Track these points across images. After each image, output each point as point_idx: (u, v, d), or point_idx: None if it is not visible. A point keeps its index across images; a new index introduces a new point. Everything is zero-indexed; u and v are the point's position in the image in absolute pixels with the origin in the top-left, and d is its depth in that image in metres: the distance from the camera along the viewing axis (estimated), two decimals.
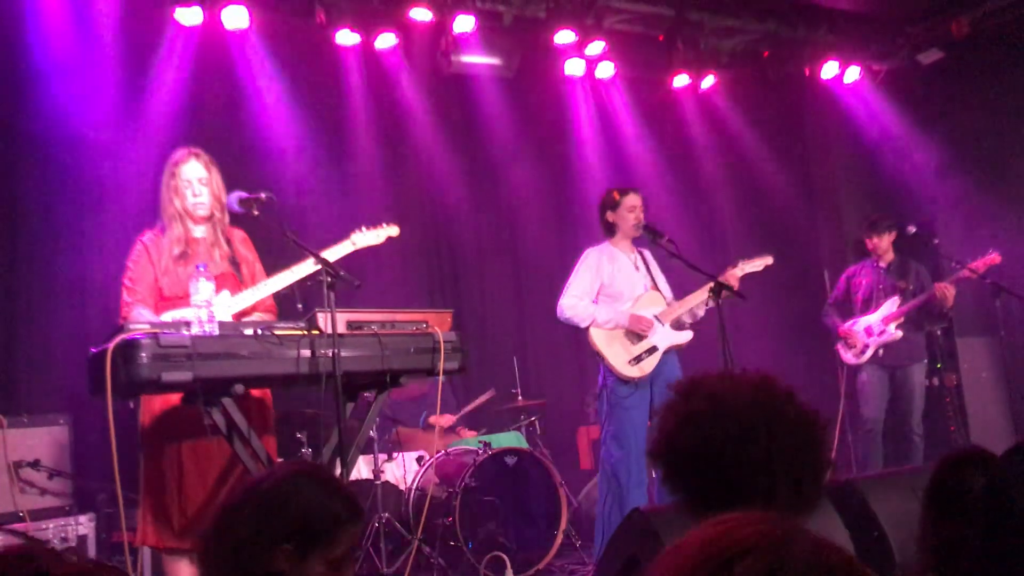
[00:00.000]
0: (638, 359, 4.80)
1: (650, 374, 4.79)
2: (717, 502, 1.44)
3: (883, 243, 6.10)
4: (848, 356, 6.09)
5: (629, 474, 4.69)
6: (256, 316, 3.63)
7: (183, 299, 3.46)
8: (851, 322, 6.09)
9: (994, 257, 5.74)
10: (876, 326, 5.96)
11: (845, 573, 0.84)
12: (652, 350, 4.82)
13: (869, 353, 5.98)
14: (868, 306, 6.08)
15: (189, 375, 2.95)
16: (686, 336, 4.93)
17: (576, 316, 4.89)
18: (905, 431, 6.01)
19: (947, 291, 5.70)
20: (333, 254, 3.64)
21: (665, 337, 4.87)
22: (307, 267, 3.53)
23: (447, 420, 6.10)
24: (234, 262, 3.71)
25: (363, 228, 3.87)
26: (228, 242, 3.74)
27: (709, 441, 1.48)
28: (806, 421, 1.51)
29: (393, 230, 3.96)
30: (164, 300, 3.56)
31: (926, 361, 6.24)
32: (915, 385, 6.01)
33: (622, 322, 4.84)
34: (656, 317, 4.87)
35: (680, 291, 5.05)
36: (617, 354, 4.81)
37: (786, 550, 0.86)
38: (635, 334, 4.84)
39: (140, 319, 3.35)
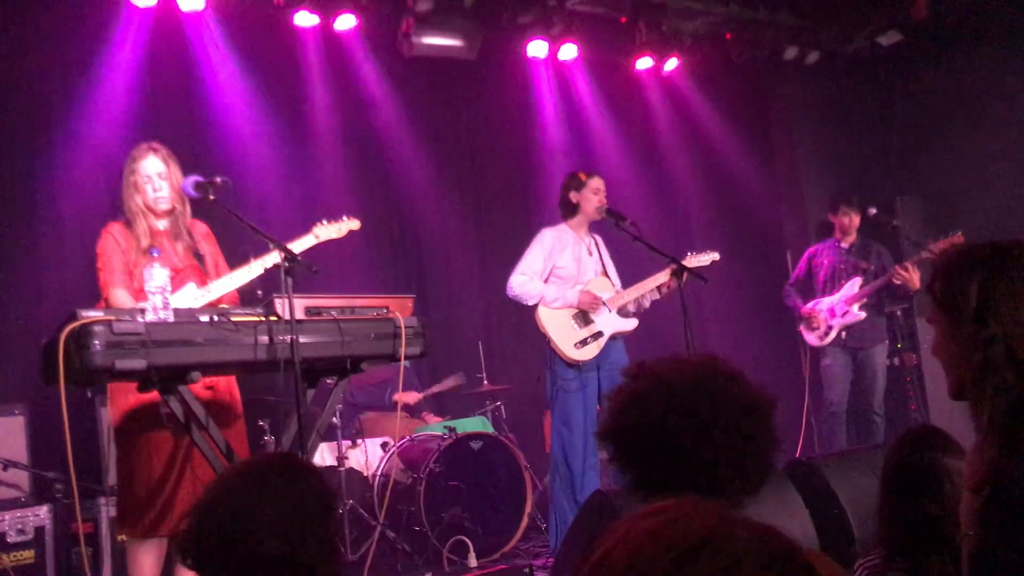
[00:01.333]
0: (583, 343, 4.81)
1: (596, 359, 4.81)
2: (660, 479, 1.47)
3: (855, 221, 6.09)
4: (811, 338, 6.09)
5: (579, 457, 4.73)
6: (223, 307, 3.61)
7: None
8: (813, 303, 6.11)
9: (957, 238, 5.75)
10: (839, 307, 5.98)
11: (789, 558, 0.83)
12: (597, 335, 4.84)
13: (833, 334, 5.98)
14: (830, 287, 6.09)
15: (143, 362, 2.90)
16: (631, 323, 4.95)
17: (525, 293, 4.90)
18: (866, 412, 6.06)
19: (910, 274, 5.70)
20: (296, 247, 3.65)
21: (611, 323, 4.89)
22: (273, 258, 3.54)
23: (412, 397, 6.08)
24: (197, 255, 3.75)
25: (324, 221, 3.92)
26: (190, 234, 3.78)
27: (650, 417, 1.50)
28: (750, 400, 1.53)
29: (354, 223, 4.02)
30: (134, 292, 3.57)
31: (888, 342, 6.29)
32: (877, 367, 6.05)
33: (571, 300, 4.86)
34: (604, 303, 4.89)
35: (638, 276, 5.06)
36: (564, 337, 4.83)
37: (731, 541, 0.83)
38: (582, 318, 4.86)
39: (122, 300, 3.43)
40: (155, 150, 3.70)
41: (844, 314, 5.95)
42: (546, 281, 4.95)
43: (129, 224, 3.68)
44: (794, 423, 6.30)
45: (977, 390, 1.66)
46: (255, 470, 1.81)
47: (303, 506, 1.73)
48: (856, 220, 6.10)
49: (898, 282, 5.72)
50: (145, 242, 3.62)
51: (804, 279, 6.26)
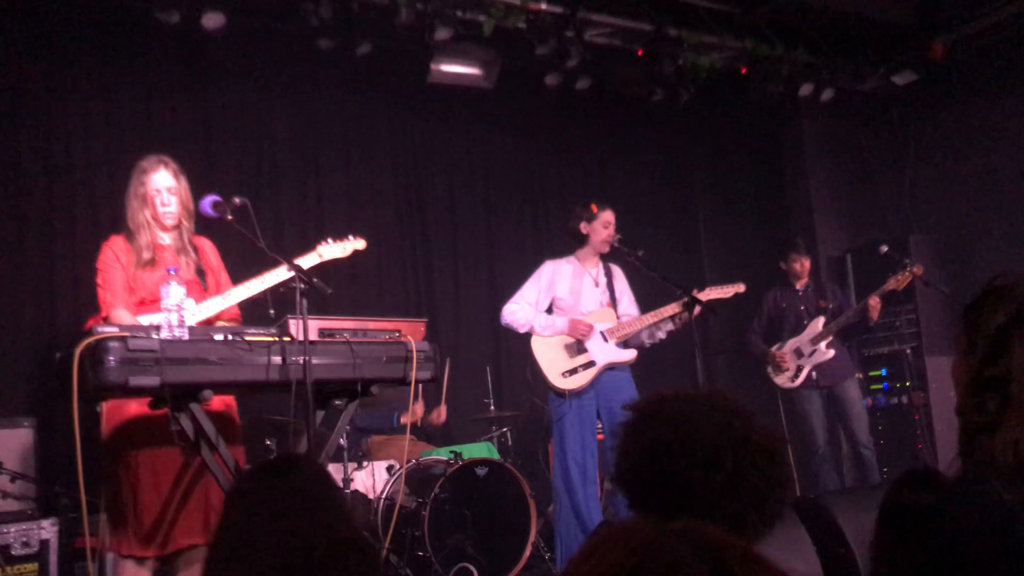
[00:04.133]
0: (572, 371, 4.82)
1: (590, 388, 4.82)
2: None
3: (806, 265, 6.15)
4: (781, 380, 6.06)
5: (579, 487, 4.72)
6: (221, 324, 3.62)
7: (149, 305, 3.50)
8: (778, 345, 6.10)
9: (917, 269, 5.79)
10: (805, 347, 5.98)
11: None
12: (589, 364, 4.85)
13: (804, 375, 5.96)
14: (794, 329, 6.08)
15: (157, 380, 2.92)
16: (627, 355, 4.96)
17: (515, 321, 4.99)
18: (855, 447, 6.03)
19: (874, 305, 5.72)
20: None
21: (605, 353, 4.90)
22: (277, 275, 3.57)
23: (418, 410, 6.04)
24: (200, 271, 3.73)
25: (330, 240, 3.90)
26: (195, 250, 3.76)
27: (675, 470, 1.47)
28: (768, 443, 1.52)
29: (359, 243, 4.00)
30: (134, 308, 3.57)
31: (859, 376, 6.26)
32: (853, 400, 6.01)
33: (561, 328, 4.90)
34: (602, 333, 4.90)
35: (652, 308, 5.07)
36: (551, 364, 4.87)
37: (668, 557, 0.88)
38: (576, 347, 4.88)
39: (123, 320, 3.40)
40: (165, 163, 3.68)
41: (812, 353, 5.95)
42: (549, 311, 4.99)
43: (131, 236, 3.65)
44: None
45: (965, 423, 1.64)
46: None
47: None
48: (807, 264, 6.17)
49: (872, 305, 5.72)
50: (147, 255, 3.60)
51: (767, 324, 6.25)
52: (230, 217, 3.50)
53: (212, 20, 5.49)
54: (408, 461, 5.40)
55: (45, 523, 4.54)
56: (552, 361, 4.87)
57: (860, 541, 3.32)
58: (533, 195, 7.72)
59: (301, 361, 3.17)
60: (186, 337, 3.06)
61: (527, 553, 5.15)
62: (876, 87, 7.44)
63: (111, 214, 5.42)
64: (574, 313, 4.97)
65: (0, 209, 5.52)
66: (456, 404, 6.57)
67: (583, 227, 5.06)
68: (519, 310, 4.98)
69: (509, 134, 7.53)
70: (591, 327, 4.89)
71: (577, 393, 4.85)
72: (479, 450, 5.77)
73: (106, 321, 3.48)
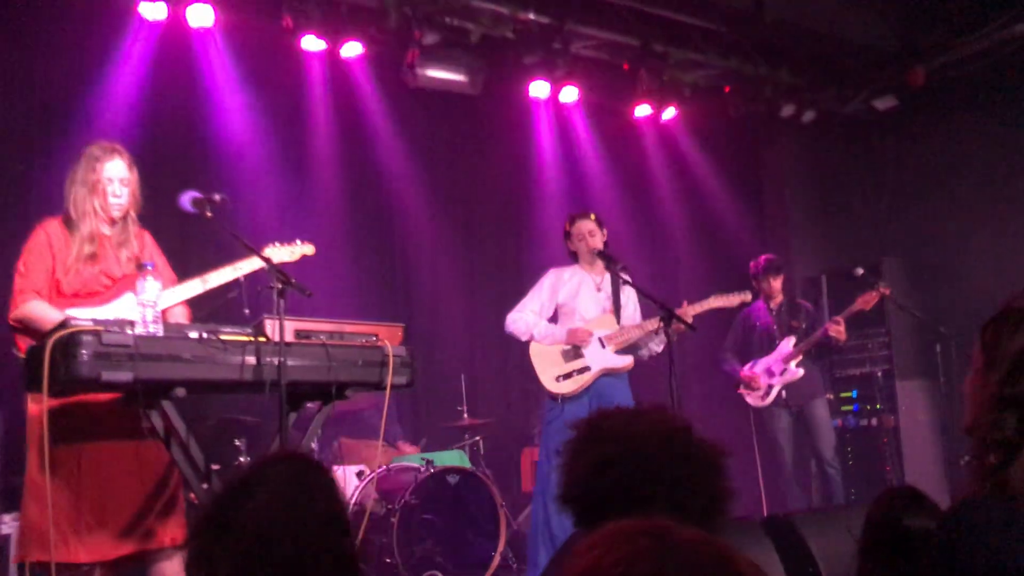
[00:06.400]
0: (567, 376, 4.83)
1: (586, 394, 4.82)
2: None
3: (779, 284, 6.20)
4: (752, 399, 6.09)
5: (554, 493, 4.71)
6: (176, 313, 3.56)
7: (83, 298, 3.39)
8: (750, 364, 6.14)
9: (884, 289, 5.87)
10: (776, 366, 6.02)
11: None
12: (584, 370, 4.85)
13: (774, 394, 6.01)
14: (765, 347, 6.12)
15: (130, 375, 2.87)
16: (623, 361, 4.92)
17: (516, 330, 4.98)
18: (820, 466, 6.08)
19: (841, 327, 5.80)
20: (245, 267, 3.57)
21: (600, 359, 4.88)
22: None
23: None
24: (140, 265, 3.51)
25: (276, 243, 3.82)
26: (135, 244, 3.61)
27: (622, 482, 1.52)
28: (705, 454, 1.57)
29: (308, 248, 3.92)
30: (61, 296, 3.41)
31: (829, 396, 6.32)
32: (820, 420, 6.05)
33: (559, 337, 4.90)
34: (601, 339, 4.89)
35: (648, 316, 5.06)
36: (547, 368, 4.86)
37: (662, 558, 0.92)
38: (573, 352, 4.88)
39: (34, 312, 3.27)
40: (120, 152, 3.53)
41: (782, 372, 5.99)
42: (554, 318, 4.98)
43: (71, 224, 3.47)
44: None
45: (981, 439, 1.64)
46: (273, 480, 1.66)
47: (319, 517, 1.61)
48: (778, 283, 6.19)
49: (833, 335, 5.79)
50: (89, 248, 3.44)
51: (740, 342, 6.28)
52: (209, 214, 3.46)
53: (198, 15, 5.46)
54: (379, 467, 5.38)
55: (7, 517, 4.44)
56: (547, 365, 4.87)
57: (829, 562, 3.34)
58: (515, 204, 7.72)
59: (276, 362, 3.14)
60: (160, 334, 3.03)
61: (496, 562, 5.13)
62: (857, 111, 7.52)
63: None
64: (574, 318, 4.96)
65: None
66: (430, 411, 6.54)
67: (569, 244, 5.07)
68: (520, 319, 4.97)
69: (492, 141, 7.53)
70: (589, 333, 4.89)
71: (571, 398, 4.82)
72: (451, 458, 5.75)
73: (18, 312, 3.33)
